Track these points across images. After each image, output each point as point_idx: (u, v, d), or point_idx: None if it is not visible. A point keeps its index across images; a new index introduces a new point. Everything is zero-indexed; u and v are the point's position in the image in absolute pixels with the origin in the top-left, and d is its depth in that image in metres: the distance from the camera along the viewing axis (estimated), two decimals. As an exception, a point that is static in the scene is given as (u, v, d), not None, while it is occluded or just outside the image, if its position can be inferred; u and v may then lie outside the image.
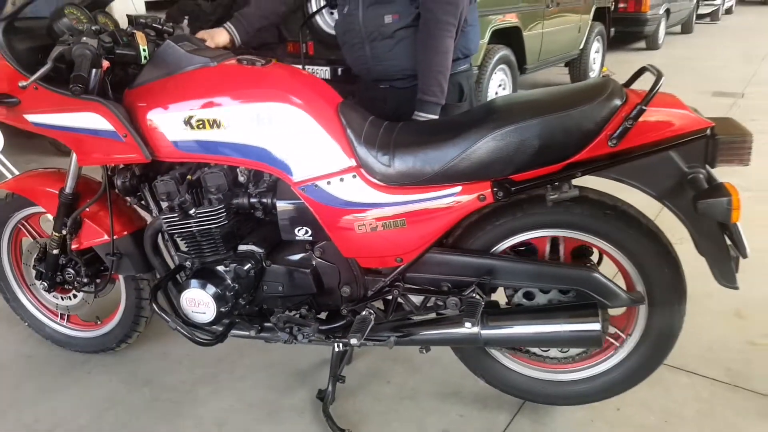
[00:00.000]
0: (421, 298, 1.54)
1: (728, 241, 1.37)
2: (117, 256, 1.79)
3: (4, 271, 2.07)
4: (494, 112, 1.42)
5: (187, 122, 1.48)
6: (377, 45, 1.83)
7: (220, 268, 1.57)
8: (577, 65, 6.45)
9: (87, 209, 1.78)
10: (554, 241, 1.55)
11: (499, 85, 5.00)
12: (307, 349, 2.05)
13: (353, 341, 1.44)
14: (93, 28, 1.53)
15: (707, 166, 1.30)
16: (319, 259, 1.58)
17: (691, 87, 6.23)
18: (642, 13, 8.44)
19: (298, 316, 1.61)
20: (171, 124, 1.50)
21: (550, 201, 1.36)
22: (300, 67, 4.99)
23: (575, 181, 1.38)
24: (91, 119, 1.52)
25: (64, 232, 1.79)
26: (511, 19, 4.80)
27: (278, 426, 1.73)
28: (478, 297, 1.44)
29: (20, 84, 1.40)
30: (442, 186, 1.41)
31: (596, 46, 6.70)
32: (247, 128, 1.45)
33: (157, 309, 1.59)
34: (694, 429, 1.67)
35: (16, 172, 3.17)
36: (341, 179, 1.46)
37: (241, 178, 1.57)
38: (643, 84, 1.33)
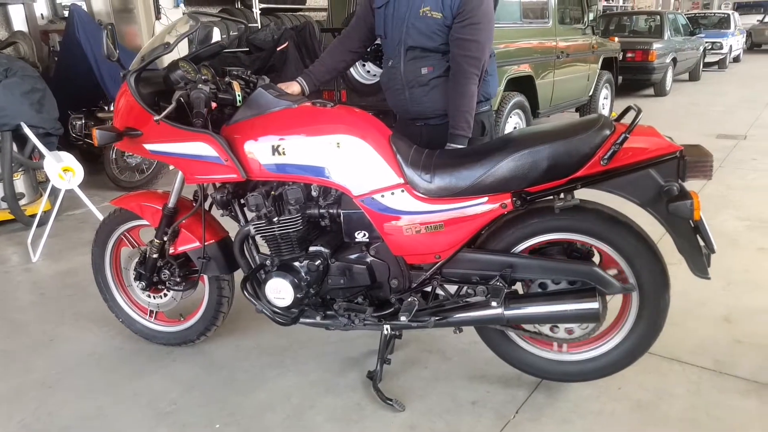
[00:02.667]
0: (455, 287, 1.94)
1: (701, 241, 1.74)
2: (206, 259, 2.21)
3: (106, 275, 2.50)
4: (512, 140, 1.84)
5: (275, 150, 1.92)
6: (415, 91, 2.29)
7: (296, 264, 1.99)
8: (587, 110, 6.93)
9: (184, 221, 2.22)
10: (564, 243, 1.94)
11: (514, 128, 5.47)
12: (355, 342, 2.44)
13: (403, 318, 1.83)
14: (202, 77, 2.00)
15: (679, 180, 1.70)
16: (373, 257, 1.99)
17: (697, 130, 6.65)
18: (649, 62, 8.98)
19: (357, 304, 2.01)
20: (262, 151, 1.94)
21: (557, 208, 1.76)
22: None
23: (577, 194, 1.79)
24: (200, 147, 1.97)
25: (165, 239, 2.23)
26: (525, 69, 5.31)
27: (336, 398, 2.10)
28: (501, 284, 1.83)
29: (155, 119, 1.85)
30: (472, 197, 1.82)
31: (605, 92, 7.20)
32: (320, 154, 1.88)
33: (247, 295, 2.00)
34: (684, 404, 2.00)
35: (89, 202, 3.66)
36: (392, 193, 1.87)
37: (314, 193, 2.00)
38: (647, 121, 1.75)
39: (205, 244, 2.19)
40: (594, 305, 1.78)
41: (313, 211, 2.01)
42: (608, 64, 7.19)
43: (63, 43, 5.31)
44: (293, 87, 2.29)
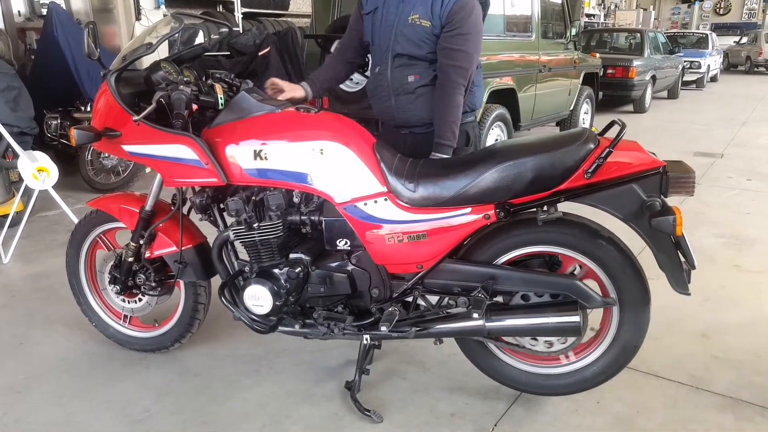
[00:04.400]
0: (437, 298, 1.92)
1: (682, 257, 1.76)
2: (183, 264, 2.16)
3: (80, 278, 2.43)
4: (497, 151, 1.84)
5: (257, 154, 1.89)
6: (401, 98, 2.28)
7: (276, 271, 1.95)
8: (567, 124, 7.01)
9: (161, 224, 2.17)
10: (548, 256, 1.94)
11: (495, 140, 5.51)
12: (333, 352, 2.41)
13: (383, 328, 1.81)
14: (184, 79, 1.96)
15: (662, 196, 1.71)
16: (354, 266, 1.97)
17: (675, 147, 6.78)
18: (629, 79, 9.14)
19: (336, 312, 1.98)
20: (243, 155, 1.91)
21: (540, 221, 1.76)
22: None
23: (560, 207, 1.79)
24: (181, 150, 1.93)
25: (141, 242, 2.18)
26: (507, 82, 5.36)
27: (313, 408, 2.07)
28: (482, 296, 1.82)
29: (134, 119, 1.81)
30: (455, 207, 1.81)
31: (585, 107, 7.30)
32: (302, 160, 1.86)
33: (224, 302, 1.96)
34: (661, 417, 2.01)
35: (63, 204, 3.57)
36: (375, 201, 1.86)
37: (296, 200, 1.98)
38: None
39: (182, 248, 2.15)
40: (575, 319, 1.78)
41: (294, 217, 1.98)
42: (589, 79, 7.29)
43: (40, 41, 5.21)
44: (298, 91, 2.27)
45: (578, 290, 1.82)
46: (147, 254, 2.21)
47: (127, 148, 2.02)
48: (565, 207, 1.79)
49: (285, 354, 2.41)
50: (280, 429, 1.97)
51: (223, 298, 1.97)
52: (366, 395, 2.13)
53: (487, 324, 1.84)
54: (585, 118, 7.45)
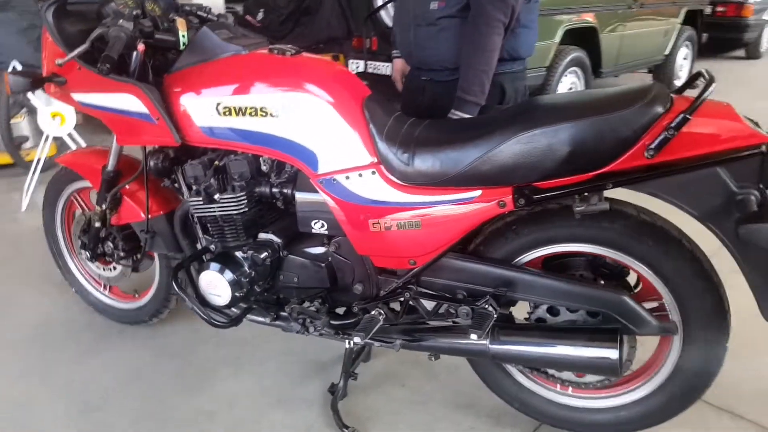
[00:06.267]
0: (434, 303, 1.49)
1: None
2: (151, 235, 1.84)
3: (57, 240, 2.20)
4: (524, 113, 1.33)
5: (215, 109, 1.49)
6: (421, 30, 1.80)
7: (239, 254, 1.58)
8: (661, 71, 6.06)
9: (127, 186, 1.85)
10: (591, 257, 1.44)
11: (569, 88, 4.79)
12: (328, 342, 2.03)
13: (356, 339, 1.41)
14: (135, 12, 1.57)
15: (762, 188, 1.15)
16: (335, 254, 1.56)
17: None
18: (742, 18, 7.82)
19: (312, 308, 1.60)
20: (199, 109, 1.52)
21: (578, 213, 1.26)
22: (362, 62, 5.00)
23: (608, 193, 1.28)
24: (128, 101, 1.56)
25: (104, 206, 1.87)
26: (587, 19, 4.58)
27: (286, 414, 1.73)
28: (490, 309, 1.36)
29: (57, 61, 1.46)
30: (460, 189, 1.34)
31: (684, 52, 6.27)
32: (270, 118, 1.44)
33: (176, 287, 1.63)
34: (731, 476, 1.51)
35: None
36: (360, 174, 1.42)
37: (264, 168, 1.57)
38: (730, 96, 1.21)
39: (150, 217, 1.82)
40: (610, 354, 1.28)
41: (262, 189, 1.59)
42: (691, 18, 6.21)
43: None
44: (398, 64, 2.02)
45: (626, 310, 1.32)
46: (113, 220, 1.91)
47: (75, 96, 1.69)
48: (616, 193, 1.28)
49: (274, 340, 2.08)
50: (242, 439, 1.65)
51: (174, 282, 1.63)
52: (352, 402, 1.76)
53: (492, 346, 1.39)
54: (683, 64, 6.41)
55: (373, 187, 1.41)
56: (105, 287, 2.20)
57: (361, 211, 1.43)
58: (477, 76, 1.68)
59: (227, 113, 1.48)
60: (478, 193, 1.33)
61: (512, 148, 1.26)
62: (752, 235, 1.08)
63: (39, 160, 3.23)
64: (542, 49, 4.31)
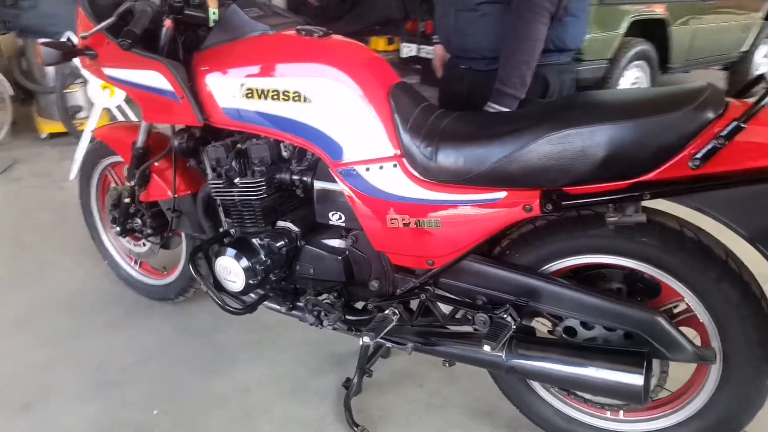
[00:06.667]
0: (451, 307, 1.40)
1: None
2: (177, 214, 1.84)
3: (92, 212, 2.24)
4: (559, 110, 1.22)
5: (238, 90, 1.45)
6: (461, 15, 1.70)
7: (256, 240, 1.55)
8: (737, 69, 5.63)
9: (156, 164, 1.85)
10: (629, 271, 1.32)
11: (633, 83, 4.53)
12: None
13: (365, 339, 1.35)
14: None
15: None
16: (352, 248, 1.50)
17: None
18: (835, 14, 7.14)
19: (327, 301, 1.55)
20: (222, 90, 1.48)
21: (611, 224, 1.15)
22: (414, 46, 4.88)
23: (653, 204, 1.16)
24: (154, 77, 1.55)
25: (133, 182, 1.88)
26: (656, 11, 4.29)
27: (297, 405, 1.70)
28: (509, 319, 1.27)
29: (81, 34, 1.45)
30: (485, 189, 1.25)
31: (764, 49, 5.80)
32: (291, 102, 1.39)
33: (192, 269, 1.62)
34: None
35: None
36: (381, 167, 1.35)
37: (285, 153, 1.53)
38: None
39: (176, 196, 1.81)
40: (635, 380, 1.16)
41: (283, 176, 1.54)
42: (776, 12, 5.74)
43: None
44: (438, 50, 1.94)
45: (658, 331, 1.20)
46: (142, 197, 1.91)
47: (105, 70, 1.69)
48: (659, 204, 1.16)
49: (296, 327, 2.03)
50: (250, 426, 1.63)
51: (192, 264, 1.62)
52: (366, 400, 1.71)
53: (507, 358, 1.29)
54: (762, 63, 5.94)
55: (394, 181, 1.34)
56: (136, 262, 2.23)
57: (379, 205, 1.36)
58: (517, 67, 1.57)
59: (249, 95, 1.44)
60: (503, 194, 1.23)
61: (542, 148, 1.15)
62: None
63: (88, 130, 3.32)
64: (605, 41, 4.08)
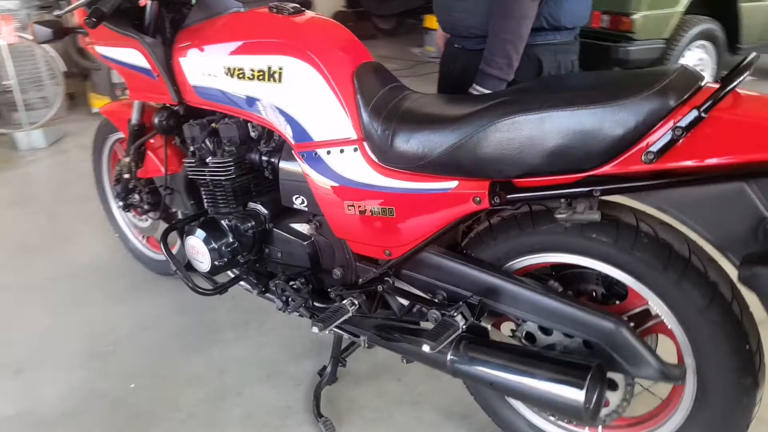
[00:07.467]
0: (408, 302, 1.33)
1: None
2: (169, 191, 1.86)
3: (103, 186, 2.31)
4: (516, 93, 1.11)
5: (206, 68, 1.43)
6: None
7: (225, 222, 1.53)
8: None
9: (151, 141, 1.87)
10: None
11: (695, 65, 4.17)
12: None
13: (315, 329, 1.30)
14: None
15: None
16: (317, 234, 1.45)
17: None
18: None
19: (294, 287, 1.51)
20: (193, 68, 1.47)
21: (561, 221, 1.04)
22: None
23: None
24: (134, 55, 1.55)
25: (128, 159, 1.91)
26: (723, -15, 3.91)
27: (269, 390, 1.69)
28: (459, 318, 1.18)
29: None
30: (437, 177, 1.16)
31: None
32: (256, 81, 1.35)
33: (163, 248, 1.63)
34: None
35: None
36: (341, 151, 1.29)
37: (253, 134, 1.49)
38: None
39: (167, 174, 1.83)
40: (574, 396, 1.04)
41: (252, 156, 1.51)
42: None
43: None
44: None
45: (619, 342, 1.08)
46: (139, 173, 1.95)
47: (96, 48, 1.71)
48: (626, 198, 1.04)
49: (286, 310, 2.04)
50: (218, 407, 1.63)
51: (162, 243, 1.63)
52: (340, 390, 1.68)
53: (452, 360, 1.21)
54: None
55: (353, 166, 1.28)
56: (143, 236, 2.29)
57: (338, 190, 1.31)
58: (502, 46, 1.45)
59: (216, 73, 1.42)
60: (454, 184, 1.15)
61: (492, 135, 1.05)
62: (751, 280, 0.80)
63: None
64: (660, 18, 3.78)
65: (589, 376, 1.03)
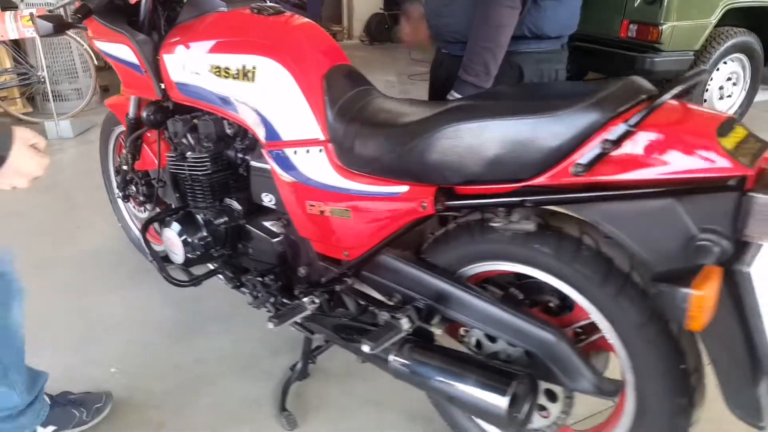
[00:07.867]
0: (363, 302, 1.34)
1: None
2: (161, 184, 1.92)
3: (109, 176, 2.40)
4: (471, 100, 1.12)
5: (187, 65, 1.48)
6: None
7: (200, 216, 1.58)
8: None
9: (148, 134, 1.94)
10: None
11: (728, 79, 4.04)
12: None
13: (270, 325, 1.33)
14: None
15: (732, 236, 0.83)
16: (285, 232, 1.48)
17: None
18: None
19: (263, 283, 1.54)
20: (175, 65, 1.51)
21: (498, 230, 1.04)
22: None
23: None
24: (124, 51, 1.62)
25: (125, 151, 1.99)
26: (758, -3, 3.77)
27: (242, 382, 1.73)
28: (405, 322, 1.19)
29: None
30: (390, 181, 1.17)
31: None
32: (231, 80, 1.39)
33: (142, 239, 1.68)
34: None
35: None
36: (307, 151, 1.31)
37: (229, 131, 1.53)
38: None
39: (160, 167, 1.89)
40: (498, 402, 1.02)
41: (229, 153, 1.55)
42: None
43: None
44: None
45: (556, 353, 1.06)
46: (136, 165, 2.02)
47: (95, 43, 1.79)
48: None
49: (272, 305, 2.08)
50: (187, 398, 1.67)
51: (141, 235, 1.69)
52: (311, 387, 1.71)
53: (392, 361, 1.21)
54: None
55: (317, 167, 1.30)
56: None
57: (301, 189, 1.33)
58: (479, 53, 1.45)
59: (195, 71, 1.46)
60: (405, 189, 1.15)
61: (437, 142, 1.06)
62: (659, 298, 0.78)
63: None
64: (690, 30, 3.66)
65: (514, 384, 1.01)
